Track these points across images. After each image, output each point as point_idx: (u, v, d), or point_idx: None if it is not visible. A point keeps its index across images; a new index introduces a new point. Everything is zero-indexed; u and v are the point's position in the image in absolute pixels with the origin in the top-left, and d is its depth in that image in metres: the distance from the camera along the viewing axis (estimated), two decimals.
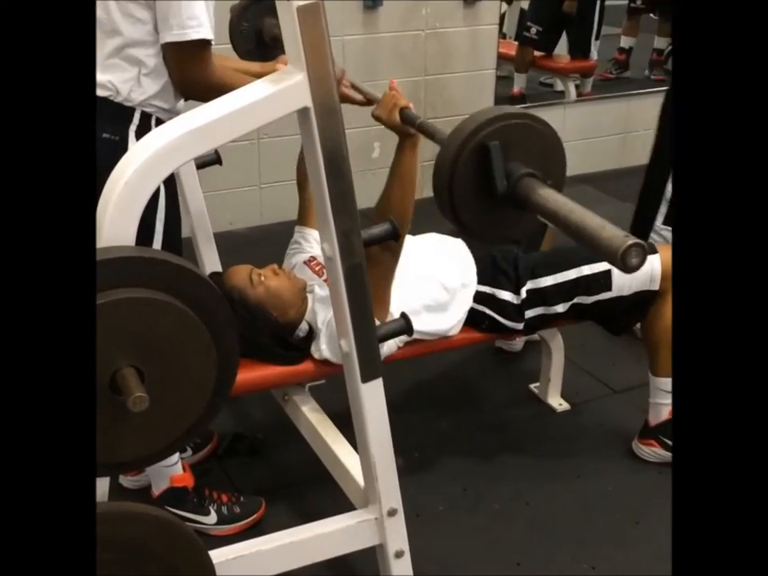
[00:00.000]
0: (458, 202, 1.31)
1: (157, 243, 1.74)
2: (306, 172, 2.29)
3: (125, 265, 1.23)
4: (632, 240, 1.09)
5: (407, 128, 1.84)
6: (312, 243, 2.31)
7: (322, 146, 1.37)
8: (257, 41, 2.24)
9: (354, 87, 2.06)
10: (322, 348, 2.00)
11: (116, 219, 1.26)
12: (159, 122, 1.75)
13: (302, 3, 1.27)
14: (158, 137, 1.29)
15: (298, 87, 1.33)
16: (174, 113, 1.79)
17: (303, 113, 1.36)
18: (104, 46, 1.68)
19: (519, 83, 4.85)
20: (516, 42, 5.01)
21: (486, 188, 1.28)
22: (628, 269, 1.09)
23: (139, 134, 1.71)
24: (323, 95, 1.34)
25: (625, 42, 5.51)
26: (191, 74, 1.69)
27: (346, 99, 1.96)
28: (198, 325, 1.28)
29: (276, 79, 1.35)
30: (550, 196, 1.22)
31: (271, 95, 1.33)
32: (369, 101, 2.00)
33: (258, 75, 1.85)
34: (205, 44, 1.66)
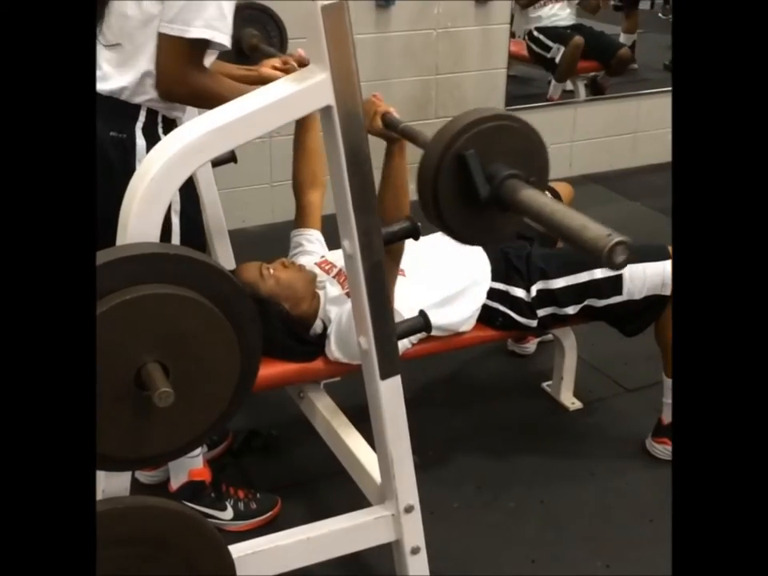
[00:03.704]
0: (444, 211, 1.30)
1: (175, 236, 1.74)
2: (302, 179, 2.33)
3: (150, 261, 1.24)
4: (616, 238, 1.08)
5: (391, 133, 1.81)
6: (315, 244, 2.32)
7: (344, 144, 1.38)
8: (236, 51, 2.25)
9: None
10: (332, 348, 2.01)
11: (141, 215, 1.27)
12: (165, 119, 1.76)
13: (326, 2, 1.28)
14: (183, 134, 1.30)
15: (322, 86, 1.33)
16: (180, 109, 1.79)
17: (326, 111, 1.36)
18: (113, 51, 1.69)
19: (557, 91, 4.74)
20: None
21: (470, 194, 1.28)
22: (615, 266, 1.09)
23: (146, 131, 1.72)
24: (346, 94, 1.35)
25: (625, 39, 5.48)
26: (184, 73, 1.67)
27: None
28: (222, 321, 1.29)
29: (299, 78, 1.36)
30: (532, 198, 1.22)
31: (294, 94, 1.34)
32: None
33: (240, 79, 1.86)
34: (206, 46, 1.66)
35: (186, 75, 1.66)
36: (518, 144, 1.30)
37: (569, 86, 4.90)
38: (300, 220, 2.35)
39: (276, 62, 2.10)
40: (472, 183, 1.26)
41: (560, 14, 4.87)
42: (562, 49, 4.72)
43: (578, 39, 4.79)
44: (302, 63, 2.05)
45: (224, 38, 1.65)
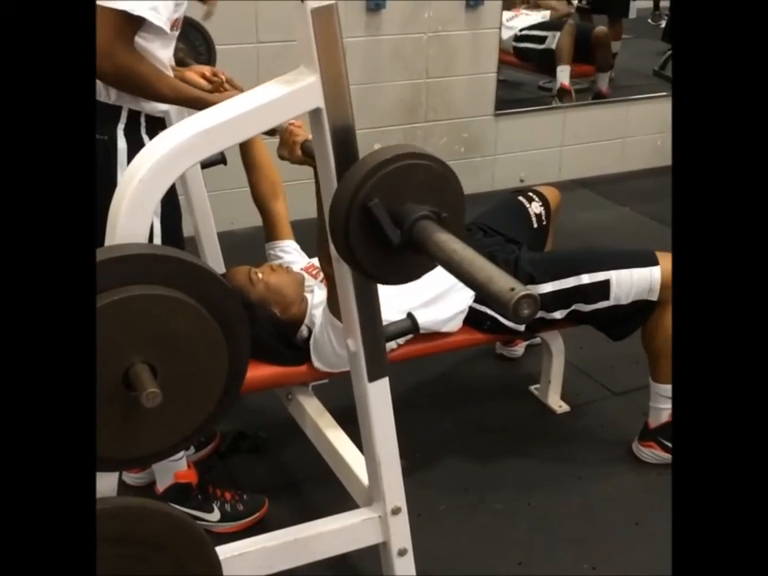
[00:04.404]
0: (359, 258, 1.29)
1: (156, 238, 1.74)
2: (262, 193, 2.33)
3: (139, 262, 1.24)
4: (520, 293, 1.07)
5: (312, 162, 1.70)
6: (293, 253, 2.32)
7: (333, 147, 1.38)
8: None
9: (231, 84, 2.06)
10: (312, 357, 2.01)
11: (130, 217, 1.27)
12: (149, 119, 1.75)
13: (316, 4, 1.28)
14: (172, 135, 1.30)
15: (311, 88, 1.34)
16: (163, 109, 1.78)
17: (315, 114, 1.37)
18: None
19: (565, 77, 4.75)
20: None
21: (383, 240, 1.26)
22: (520, 320, 1.08)
23: (127, 133, 1.72)
24: (336, 96, 1.35)
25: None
26: (110, 46, 1.60)
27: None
28: (210, 322, 1.28)
29: (289, 80, 1.36)
30: (443, 244, 1.20)
31: (284, 96, 1.34)
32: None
33: None
34: (138, 22, 1.62)
35: (113, 49, 1.60)
36: (427, 179, 1.28)
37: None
38: (271, 232, 2.35)
39: (205, 69, 2.08)
40: (382, 232, 1.24)
41: (532, 18, 4.94)
42: (558, 34, 4.74)
43: (571, 22, 4.82)
44: (229, 82, 2.04)
45: (149, 14, 1.60)
